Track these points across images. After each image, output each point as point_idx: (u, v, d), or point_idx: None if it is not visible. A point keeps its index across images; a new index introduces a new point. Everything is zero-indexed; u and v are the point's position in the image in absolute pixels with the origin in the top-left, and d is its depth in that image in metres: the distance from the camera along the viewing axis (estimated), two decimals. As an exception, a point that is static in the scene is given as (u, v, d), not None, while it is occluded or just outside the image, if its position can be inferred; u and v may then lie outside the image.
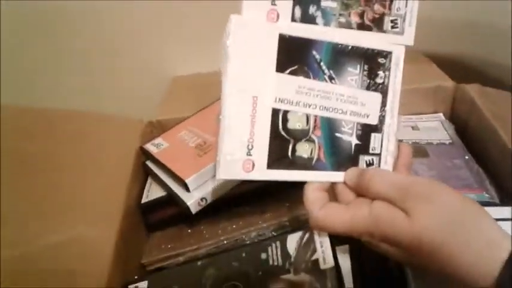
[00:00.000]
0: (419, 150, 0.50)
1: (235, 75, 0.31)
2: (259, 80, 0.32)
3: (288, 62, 0.32)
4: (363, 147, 0.34)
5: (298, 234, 0.39)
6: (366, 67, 0.34)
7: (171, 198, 0.44)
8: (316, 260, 0.37)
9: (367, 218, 0.29)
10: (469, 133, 0.53)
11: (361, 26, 0.33)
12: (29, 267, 0.39)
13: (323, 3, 0.33)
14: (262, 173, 0.32)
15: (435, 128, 0.54)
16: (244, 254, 0.41)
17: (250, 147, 0.32)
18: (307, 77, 0.32)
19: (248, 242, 0.42)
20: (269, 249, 0.40)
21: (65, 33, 0.71)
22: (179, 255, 0.43)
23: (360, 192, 0.32)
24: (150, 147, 0.50)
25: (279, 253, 0.39)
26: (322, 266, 0.36)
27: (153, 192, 0.47)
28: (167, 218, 0.46)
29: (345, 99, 0.33)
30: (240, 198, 0.45)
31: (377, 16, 0.34)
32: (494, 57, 0.73)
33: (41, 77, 0.74)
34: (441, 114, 0.56)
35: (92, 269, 0.40)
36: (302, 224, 0.41)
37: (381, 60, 0.34)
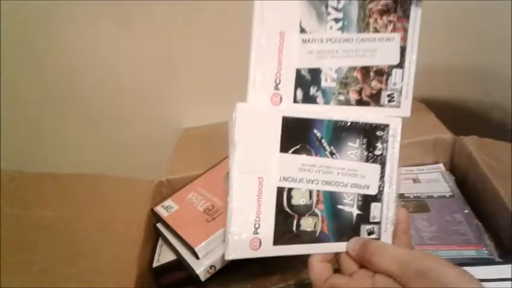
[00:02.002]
0: (420, 205, 0.51)
1: (242, 160, 0.34)
2: (264, 161, 0.34)
3: (291, 142, 0.34)
4: (364, 216, 0.36)
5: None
6: (364, 140, 0.36)
7: (181, 263, 0.46)
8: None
9: None
10: (469, 184, 0.54)
11: (360, 102, 0.36)
12: None
13: (323, 84, 0.35)
14: (269, 249, 0.34)
15: (436, 180, 0.56)
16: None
17: (257, 226, 0.34)
18: (309, 154, 0.35)
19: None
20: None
21: (74, 93, 0.74)
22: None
23: (362, 263, 0.34)
24: (160, 209, 0.52)
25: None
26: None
27: (164, 256, 0.49)
28: (178, 281, 0.48)
29: (346, 173, 0.36)
30: (248, 261, 0.46)
31: (374, 92, 0.36)
32: (494, 99, 0.74)
33: (49, 140, 0.78)
34: (441, 165, 0.58)
35: None
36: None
37: (378, 133, 0.36)
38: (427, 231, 0.48)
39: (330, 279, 0.33)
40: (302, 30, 0.35)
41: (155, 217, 0.53)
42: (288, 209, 0.34)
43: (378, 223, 0.36)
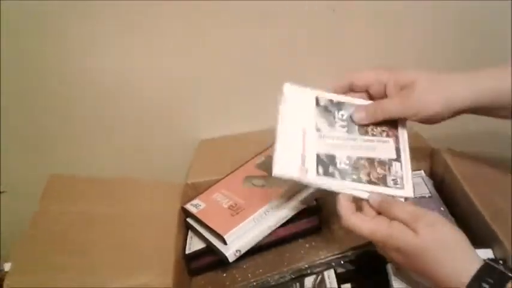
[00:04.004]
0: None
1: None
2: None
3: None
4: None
5: (313, 276, 0.51)
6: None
7: (210, 250, 0.57)
8: (327, 297, 0.49)
9: (385, 232, 0.42)
10: (445, 188, 0.65)
11: (369, 182, 0.46)
12: None
13: (338, 166, 0.46)
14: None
15: (417, 183, 0.66)
16: (271, 293, 0.53)
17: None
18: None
19: (273, 283, 0.54)
20: (290, 288, 0.52)
21: (99, 103, 0.82)
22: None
23: (380, 211, 0.45)
24: (190, 207, 0.62)
25: (298, 292, 0.51)
26: (331, 301, 0.48)
27: (194, 245, 0.60)
28: (206, 265, 0.58)
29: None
30: (265, 247, 0.57)
31: (381, 176, 0.47)
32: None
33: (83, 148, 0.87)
34: (422, 171, 0.69)
35: None
36: (317, 267, 0.53)
37: None
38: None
39: (355, 214, 0.44)
40: (318, 129, 0.48)
41: (185, 213, 0.63)
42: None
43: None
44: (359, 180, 0.46)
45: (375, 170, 0.47)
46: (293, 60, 0.80)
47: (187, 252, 0.59)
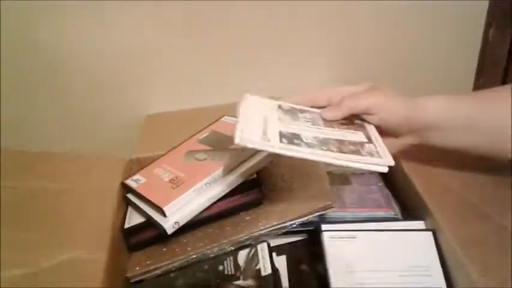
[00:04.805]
0: (345, 179, 0.64)
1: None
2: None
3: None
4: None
5: (247, 250, 0.52)
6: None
7: (149, 224, 0.55)
8: (259, 269, 0.49)
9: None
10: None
11: (341, 153, 0.43)
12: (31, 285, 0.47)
13: (304, 140, 0.44)
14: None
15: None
16: (206, 266, 0.53)
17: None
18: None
19: (212, 256, 0.54)
20: (225, 262, 0.53)
21: (46, 75, 0.80)
22: (156, 269, 0.54)
23: None
24: (130, 182, 0.61)
25: (232, 265, 0.52)
26: (263, 274, 0.49)
27: (133, 219, 0.58)
28: (146, 240, 0.57)
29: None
30: (206, 221, 0.57)
31: (354, 150, 0.44)
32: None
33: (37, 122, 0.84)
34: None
35: (86, 284, 0.48)
36: (257, 239, 0.54)
37: None
38: (349, 197, 0.60)
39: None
40: (280, 119, 0.47)
41: (125, 189, 0.62)
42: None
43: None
44: (329, 151, 0.43)
45: (346, 147, 0.45)
46: (252, 37, 0.79)
47: (125, 226, 0.57)
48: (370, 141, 0.48)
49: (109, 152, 0.68)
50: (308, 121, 0.48)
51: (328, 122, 0.50)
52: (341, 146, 0.44)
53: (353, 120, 0.52)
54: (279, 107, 0.51)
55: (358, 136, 0.48)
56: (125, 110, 0.86)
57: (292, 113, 0.50)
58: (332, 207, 0.53)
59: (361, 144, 0.46)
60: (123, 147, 0.75)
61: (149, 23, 0.77)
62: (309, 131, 0.46)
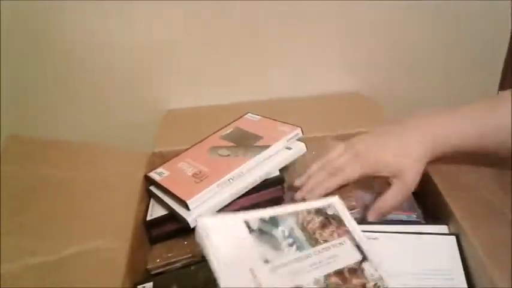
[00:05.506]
0: (368, 183, 0.63)
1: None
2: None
3: None
4: None
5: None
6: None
7: (171, 216, 0.56)
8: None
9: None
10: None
11: None
12: (54, 275, 0.47)
13: None
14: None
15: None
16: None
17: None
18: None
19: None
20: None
21: (71, 68, 0.81)
22: (177, 262, 0.55)
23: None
24: (153, 175, 0.61)
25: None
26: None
27: (155, 212, 0.59)
28: (167, 232, 0.58)
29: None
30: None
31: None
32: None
33: (53, 110, 0.85)
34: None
35: (108, 274, 0.49)
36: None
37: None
38: (371, 201, 0.60)
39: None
40: (266, 261, 0.38)
41: (148, 181, 0.62)
42: None
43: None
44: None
45: (351, 283, 0.41)
46: (271, 34, 0.80)
47: (148, 219, 0.58)
48: (363, 255, 0.44)
49: (130, 146, 0.68)
50: (291, 244, 0.42)
51: (310, 236, 0.44)
52: (345, 283, 0.41)
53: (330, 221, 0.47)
54: (248, 227, 0.41)
55: (348, 251, 0.44)
56: (146, 105, 0.86)
57: (266, 235, 0.42)
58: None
59: (361, 270, 0.42)
60: (144, 141, 0.76)
61: (174, 18, 0.77)
62: (305, 273, 0.40)
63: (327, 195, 0.53)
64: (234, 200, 0.56)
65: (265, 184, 0.57)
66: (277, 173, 0.58)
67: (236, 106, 0.75)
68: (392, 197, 0.53)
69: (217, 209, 0.55)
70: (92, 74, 0.82)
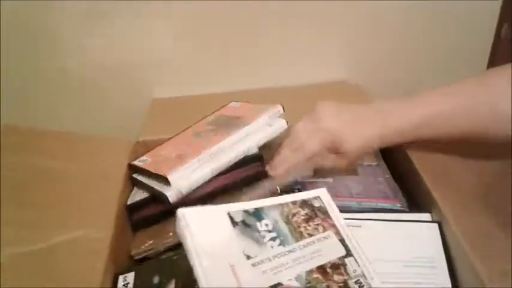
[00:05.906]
0: (352, 170, 0.63)
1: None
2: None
3: None
4: None
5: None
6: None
7: (153, 199, 0.56)
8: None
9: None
10: (392, 157, 0.66)
11: None
12: (39, 263, 0.47)
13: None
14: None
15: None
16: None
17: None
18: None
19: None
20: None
21: (54, 56, 0.81)
22: (160, 247, 0.54)
23: None
24: (136, 162, 0.61)
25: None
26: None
27: (136, 196, 0.59)
28: (148, 216, 0.57)
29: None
30: (208, 197, 0.55)
31: (342, 285, 0.40)
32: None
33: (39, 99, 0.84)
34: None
35: (91, 262, 0.48)
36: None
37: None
38: (355, 188, 0.60)
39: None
40: (248, 257, 0.37)
41: (132, 170, 0.62)
42: None
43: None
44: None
45: (333, 279, 0.40)
46: (257, 23, 0.80)
47: (128, 203, 0.58)
48: (347, 249, 0.44)
49: (115, 134, 0.68)
50: (274, 238, 0.41)
51: (294, 229, 0.44)
52: (327, 280, 0.40)
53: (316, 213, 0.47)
54: (232, 220, 0.41)
55: (333, 245, 0.44)
56: (131, 93, 0.86)
57: (249, 229, 0.41)
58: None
59: (344, 265, 0.42)
60: (129, 129, 0.76)
61: (161, 8, 0.78)
62: (287, 268, 0.39)
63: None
64: (215, 177, 0.55)
65: (245, 161, 0.57)
66: (256, 150, 0.57)
67: (222, 96, 0.75)
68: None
69: (199, 183, 0.54)
70: (77, 60, 0.82)
